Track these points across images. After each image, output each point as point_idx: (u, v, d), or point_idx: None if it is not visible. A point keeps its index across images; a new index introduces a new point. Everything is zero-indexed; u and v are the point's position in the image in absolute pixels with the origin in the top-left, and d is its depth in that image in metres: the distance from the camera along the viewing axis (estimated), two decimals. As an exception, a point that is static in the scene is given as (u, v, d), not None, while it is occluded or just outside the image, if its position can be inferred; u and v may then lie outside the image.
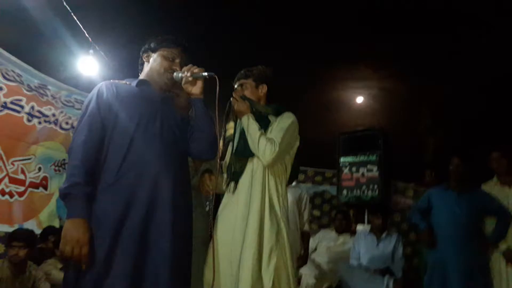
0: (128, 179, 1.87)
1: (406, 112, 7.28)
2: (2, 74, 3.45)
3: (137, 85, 2.08)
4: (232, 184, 2.38)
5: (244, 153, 2.38)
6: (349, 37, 5.52)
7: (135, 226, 1.82)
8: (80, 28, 3.93)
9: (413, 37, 5.40)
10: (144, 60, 2.19)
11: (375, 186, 5.09)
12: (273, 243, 2.20)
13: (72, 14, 3.63)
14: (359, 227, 5.28)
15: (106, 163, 1.89)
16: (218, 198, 2.53)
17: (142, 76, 2.16)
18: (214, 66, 2.15)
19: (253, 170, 2.35)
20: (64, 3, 3.50)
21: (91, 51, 4.36)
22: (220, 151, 2.41)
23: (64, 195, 1.78)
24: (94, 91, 1.99)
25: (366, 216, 5.50)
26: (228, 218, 2.33)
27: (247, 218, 2.25)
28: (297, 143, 2.47)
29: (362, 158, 5.29)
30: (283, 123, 2.39)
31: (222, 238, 2.30)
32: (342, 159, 5.48)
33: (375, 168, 5.10)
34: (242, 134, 2.40)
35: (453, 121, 7.02)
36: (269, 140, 2.30)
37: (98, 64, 4.52)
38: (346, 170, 5.41)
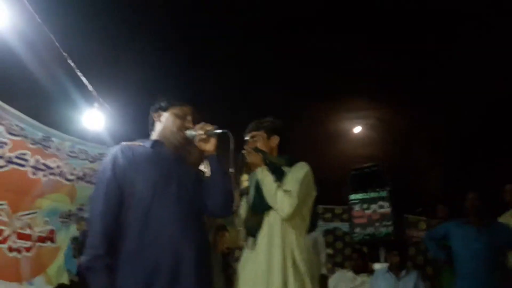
0: (149, 247, 1.81)
1: (405, 142, 7.24)
2: (6, 129, 3.43)
3: (151, 146, 2.04)
4: (250, 239, 2.30)
5: (261, 208, 2.32)
6: (345, 68, 5.55)
7: None
8: (84, 82, 3.96)
9: (409, 65, 5.42)
10: (155, 119, 2.16)
11: (389, 223, 4.99)
12: None
13: (76, 69, 3.66)
14: (377, 266, 5.13)
15: (125, 230, 1.83)
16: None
17: (155, 136, 2.12)
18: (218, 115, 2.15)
19: (271, 224, 2.28)
20: (68, 60, 3.53)
21: (95, 104, 4.37)
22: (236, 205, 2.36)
23: (87, 268, 1.74)
24: (110, 157, 1.94)
25: (380, 254, 5.37)
26: (249, 277, 2.25)
27: (269, 276, 2.17)
28: (314, 193, 2.41)
29: (372, 194, 5.22)
30: (298, 174, 2.34)
31: None
32: (352, 196, 5.41)
33: (386, 204, 5.03)
34: (258, 188, 2.35)
35: (454, 149, 6.96)
36: (287, 193, 2.24)
37: (104, 117, 4.53)
38: (357, 207, 5.32)
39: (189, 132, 2.06)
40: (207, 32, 4.72)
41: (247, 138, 2.56)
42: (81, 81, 3.88)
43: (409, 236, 5.93)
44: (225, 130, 2.07)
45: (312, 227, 2.55)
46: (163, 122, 2.11)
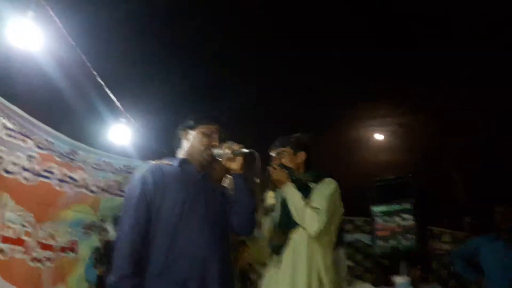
0: (178, 265, 1.83)
1: (429, 147, 7.09)
2: (35, 143, 3.50)
3: (179, 165, 2.07)
4: (275, 257, 2.29)
5: (287, 225, 2.31)
6: (364, 74, 5.49)
7: None
8: (112, 99, 4.04)
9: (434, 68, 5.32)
10: (182, 137, 2.18)
11: (412, 236, 4.92)
12: None
13: (105, 87, 3.74)
14: (398, 279, 5.05)
15: (152, 250, 1.85)
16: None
17: (181, 154, 2.15)
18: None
19: (297, 242, 2.27)
20: (98, 78, 3.61)
21: (122, 119, 4.44)
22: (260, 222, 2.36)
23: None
24: (138, 177, 1.98)
25: (401, 267, 5.29)
26: None
27: None
28: (342, 210, 2.39)
29: (396, 207, 5.15)
30: (326, 190, 2.33)
31: None
32: (375, 209, 5.34)
33: (410, 217, 4.94)
34: (284, 205, 2.34)
35: (483, 153, 6.78)
36: (315, 210, 2.23)
37: (130, 131, 4.61)
38: (379, 220, 5.25)
39: (216, 151, 2.10)
40: (230, 49, 4.74)
41: (273, 154, 2.55)
42: (110, 97, 3.96)
43: (432, 248, 5.84)
44: (252, 150, 2.11)
45: (338, 244, 2.53)
46: (190, 141, 2.14)
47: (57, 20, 3.09)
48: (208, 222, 1.96)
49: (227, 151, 2.08)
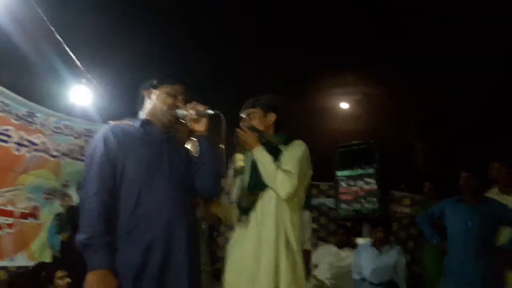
0: (143, 225, 1.82)
1: (393, 117, 7.25)
2: (-11, 105, 3.35)
3: (141, 125, 2.01)
4: (243, 217, 2.30)
5: (257, 187, 2.30)
6: (332, 44, 5.49)
7: (155, 272, 1.79)
8: (72, 57, 3.86)
9: (398, 37, 5.37)
10: (146, 97, 2.11)
11: (374, 199, 5.06)
12: (290, 279, 2.14)
13: (64, 44, 3.57)
14: (360, 241, 5.22)
15: (119, 210, 1.82)
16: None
17: (144, 114, 2.09)
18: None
19: (265, 203, 2.28)
20: (56, 35, 3.42)
21: (83, 80, 4.29)
22: (229, 183, 2.35)
23: (84, 246, 1.71)
24: (100, 137, 1.91)
25: (364, 229, 5.46)
26: (239, 253, 2.28)
27: (260, 252, 2.19)
28: (310, 172, 2.41)
29: (359, 171, 5.25)
30: (297, 153, 2.33)
31: (231, 278, 2.26)
32: (339, 173, 5.44)
33: (373, 181, 5.07)
34: (254, 167, 2.33)
35: (444, 125, 6.99)
36: (287, 173, 2.23)
37: (91, 93, 4.46)
38: (343, 184, 5.35)
39: (179, 112, 2.04)
40: (199, 9, 4.60)
41: (242, 115, 2.52)
42: (69, 56, 3.79)
43: (393, 211, 6.02)
44: (217, 111, 2.05)
45: (305, 206, 2.56)
46: (153, 100, 2.08)
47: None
48: (172, 183, 1.93)
49: (191, 111, 2.02)
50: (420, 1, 4.76)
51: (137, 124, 2.03)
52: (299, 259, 2.23)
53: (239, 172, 2.40)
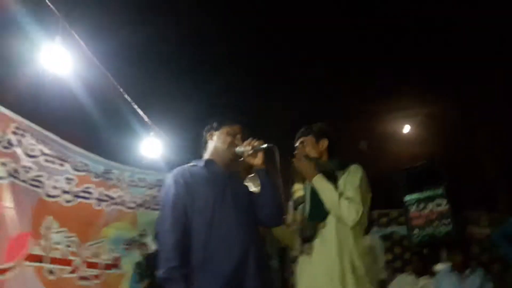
0: (216, 257, 1.96)
1: (459, 135, 6.99)
2: (72, 166, 3.68)
3: (204, 165, 2.19)
4: (306, 247, 2.35)
5: (318, 216, 2.36)
6: (386, 68, 5.49)
7: None
8: (140, 114, 4.21)
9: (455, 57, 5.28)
10: (208, 139, 2.31)
11: (448, 221, 4.85)
12: None
13: (133, 104, 3.92)
14: (438, 267, 4.99)
15: (192, 244, 1.97)
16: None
17: (207, 155, 2.28)
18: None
19: (327, 230, 2.32)
20: (126, 95, 3.78)
21: (152, 133, 4.62)
22: (290, 215, 2.43)
23: (164, 280, 1.89)
24: (171, 180, 2.12)
25: (442, 254, 5.21)
26: (308, 282, 2.32)
27: (329, 281, 2.22)
28: (370, 195, 2.44)
29: (428, 193, 5.08)
30: (355, 178, 2.37)
31: None
32: (407, 197, 5.29)
33: (443, 202, 4.88)
34: (314, 197, 2.39)
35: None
36: (351, 201, 2.27)
37: (160, 145, 4.78)
38: (413, 208, 5.20)
39: (238, 149, 2.21)
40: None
41: (296, 145, 2.61)
42: (138, 113, 4.12)
43: (471, 233, 5.73)
44: (271, 145, 2.20)
45: (367, 230, 2.56)
46: (215, 141, 2.26)
47: (82, 43, 3.27)
48: (238, 214, 2.08)
49: (248, 147, 2.18)
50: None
51: (201, 164, 2.21)
52: (367, 284, 2.23)
53: (299, 202, 2.47)
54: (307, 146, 2.55)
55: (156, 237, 2.09)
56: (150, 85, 4.59)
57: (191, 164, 2.25)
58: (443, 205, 4.90)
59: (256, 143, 2.18)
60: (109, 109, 4.31)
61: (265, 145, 2.19)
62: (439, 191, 5.00)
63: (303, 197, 2.47)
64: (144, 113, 4.21)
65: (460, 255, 4.25)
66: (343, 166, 2.45)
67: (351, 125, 6.52)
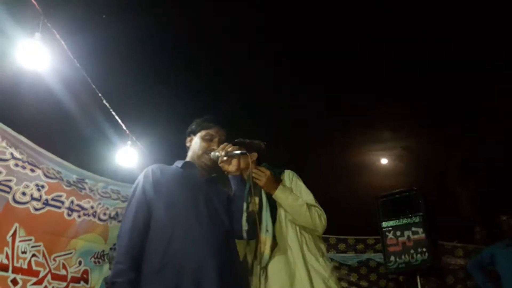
0: (173, 265, 1.85)
1: (434, 168, 7.11)
2: (43, 173, 3.57)
3: (182, 167, 2.13)
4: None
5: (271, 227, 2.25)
6: (363, 101, 5.59)
7: None
8: (118, 121, 4.14)
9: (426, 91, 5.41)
10: (187, 143, 2.26)
11: (423, 249, 4.83)
12: None
13: (110, 109, 3.86)
14: (414, 295, 4.95)
15: (151, 247, 1.89)
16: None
17: (187, 158, 2.22)
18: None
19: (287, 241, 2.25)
20: (103, 101, 3.72)
21: (128, 142, 4.53)
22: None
23: (112, 284, 1.80)
24: (141, 176, 2.04)
25: (418, 282, 5.18)
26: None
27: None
28: None
29: (405, 221, 5.08)
30: (301, 183, 2.36)
31: None
32: (384, 224, 5.27)
33: (420, 230, 4.87)
34: (271, 208, 2.29)
35: (485, 170, 6.78)
36: (314, 207, 2.25)
37: (137, 154, 4.68)
38: (390, 235, 5.18)
39: (213, 154, 2.12)
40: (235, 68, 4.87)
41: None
42: (116, 120, 4.06)
43: (446, 263, 5.73)
44: (244, 152, 2.11)
45: None
46: (192, 146, 2.20)
47: (63, 42, 3.22)
48: (207, 223, 1.96)
49: (221, 153, 2.10)
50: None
51: (179, 165, 2.14)
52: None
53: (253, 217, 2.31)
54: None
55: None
56: (129, 92, 4.54)
57: (174, 165, 2.19)
58: (419, 233, 4.89)
59: (230, 149, 2.10)
60: (85, 114, 4.23)
61: (238, 152, 2.10)
62: (416, 219, 4.99)
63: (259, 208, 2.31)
64: (122, 121, 4.13)
65: (435, 282, 4.26)
66: (279, 173, 2.40)
67: (332, 152, 6.57)
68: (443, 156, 6.82)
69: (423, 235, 4.87)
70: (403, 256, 5.05)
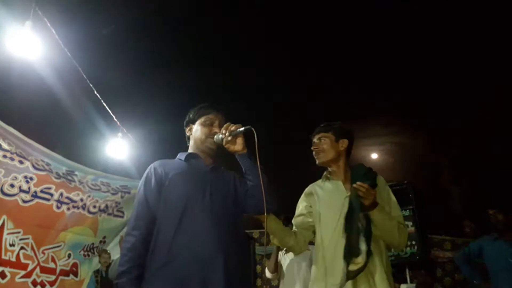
0: (178, 260, 1.82)
1: (424, 163, 7.16)
2: (32, 164, 3.52)
3: (185, 159, 2.09)
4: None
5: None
6: (355, 95, 5.59)
7: None
8: (109, 112, 4.09)
9: (420, 86, 5.43)
10: (188, 133, 2.23)
11: (413, 242, 4.87)
12: None
13: (101, 100, 3.80)
14: (403, 287, 4.99)
15: (156, 244, 1.87)
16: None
17: (189, 149, 2.18)
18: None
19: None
20: (95, 91, 3.67)
21: (119, 134, 4.48)
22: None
23: (115, 285, 1.79)
24: (144, 176, 2.02)
25: (407, 274, 5.23)
26: None
27: None
28: None
29: (395, 214, 5.11)
30: (392, 196, 2.32)
31: None
32: (374, 217, 5.30)
33: (410, 224, 4.90)
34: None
35: (475, 165, 6.84)
36: (403, 227, 2.22)
37: (127, 146, 4.63)
38: (380, 228, 5.20)
39: (216, 137, 2.09)
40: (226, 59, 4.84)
41: (314, 140, 2.46)
42: (107, 111, 4.01)
43: (435, 256, 5.79)
44: (248, 127, 2.03)
45: None
46: (193, 134, 2.16)
47: (54, 31, 3.16)
48: (213, 217, 1.92)
49: (225, 133, 2.05)
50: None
51: (182, 158, 2.10)
52: None
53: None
54: (326, 144, 2.40)
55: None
56: (120, 84, 4.48)
57: (177, 158, 2.15)
58: (409, 227, 4.93)
59: (233, 127, 2.04)
60: (76, 105, 4.17)
61: (242, 128, 2.04)
62: (406, 212, 5.02)
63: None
64: (113, 112, 4.08)
65: (424, 275, 4.30)
66: (372, 178, 2.25)
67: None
68: (434, 151, 6.86)
69: (413, 229, 4.90)
70: (392, 249, 5.08)
